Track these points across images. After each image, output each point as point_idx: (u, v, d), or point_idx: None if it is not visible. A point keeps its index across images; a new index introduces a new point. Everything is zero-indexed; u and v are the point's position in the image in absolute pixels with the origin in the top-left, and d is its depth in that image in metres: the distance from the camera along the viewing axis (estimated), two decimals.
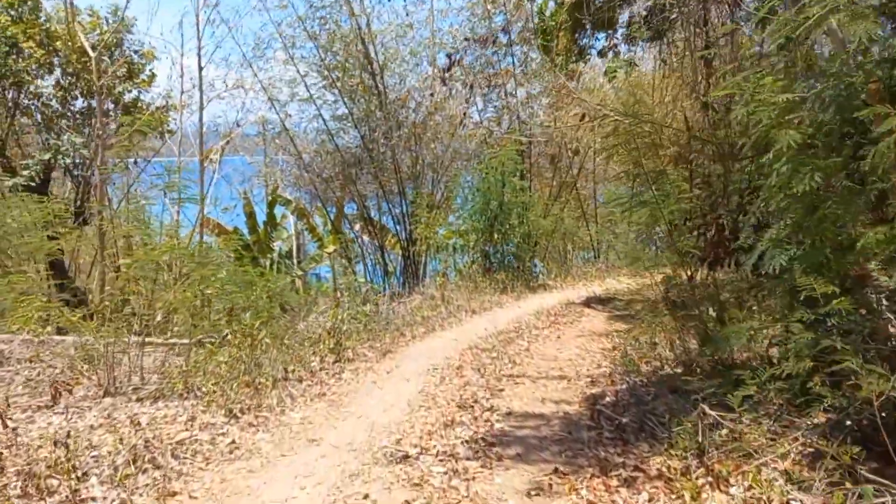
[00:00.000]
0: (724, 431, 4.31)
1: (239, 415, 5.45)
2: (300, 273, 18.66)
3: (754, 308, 5.75)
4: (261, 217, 19.66)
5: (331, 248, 19.04)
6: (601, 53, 12.45)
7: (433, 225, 13.86)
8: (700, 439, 4.19)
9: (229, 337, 7.18)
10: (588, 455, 4.59)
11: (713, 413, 4.44)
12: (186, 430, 5.08)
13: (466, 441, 4.83)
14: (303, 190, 16.68)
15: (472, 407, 5.70)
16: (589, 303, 11.91)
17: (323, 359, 7.60)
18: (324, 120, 15.46)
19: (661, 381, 6.01)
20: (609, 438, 4.89)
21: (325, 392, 6.36)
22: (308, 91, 15.53)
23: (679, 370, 6.35)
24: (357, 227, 18.41)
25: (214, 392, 5.90)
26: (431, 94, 15.84)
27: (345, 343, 8.04)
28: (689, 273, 6.74)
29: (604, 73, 10.99)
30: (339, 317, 8.22)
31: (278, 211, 20.99)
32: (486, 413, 5.51)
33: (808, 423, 4.15)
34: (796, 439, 3.95)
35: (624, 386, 6.20)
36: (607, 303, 12.00)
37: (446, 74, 14.91)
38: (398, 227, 16.22)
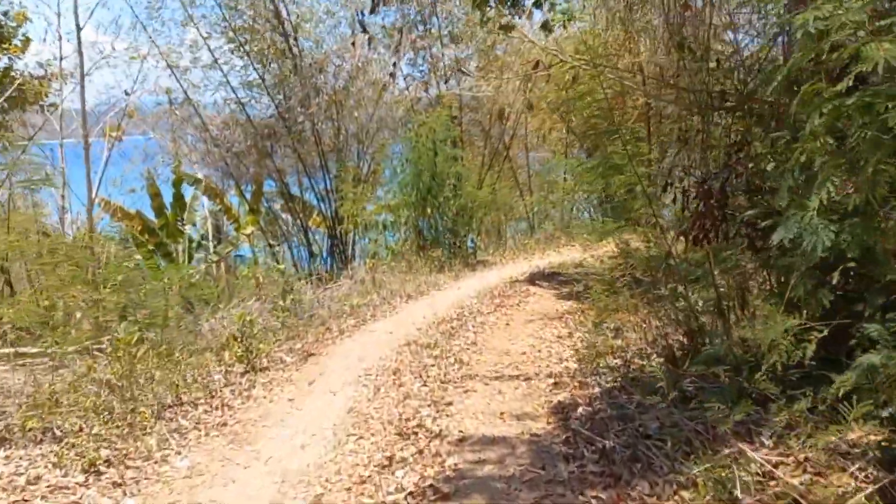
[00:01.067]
0: (754, 467, 3.20)
1: (103, 468, 4.02)
2: (214, 259, 16.91)
3: (755, 295, 4.68)
4: (169, 199, 17.80)
5: (249, 230, 17.35)
6: (537, 3, 11.15)
7: (360, 200, 12.44)
8: (729, 485, 3.06)
9: (106, 350, 5.68)
10: None
11: (744, 447, 3.31)
12: (24, 502, 3.63)
13: (411, 493, 3.56)
14: (212, 167, 14.90)
15: (416, 433, 4.43)
16: (533, 280, 10.80)
17: (228, 371, 6.18)
18: (232, 88, 13.72)
19: (642, 383, 4.88)
20: (595, 473, 3.71)
21: (226, 420, 4.96)
22: (212, 55, 13.74)
23: (658, 365, 5.24)
24: (278, 205, 16.75)
25: (78, 433, 4.44)
26: (352, 57, 14.26)
27: (257, 347, 6.63)
28: (666, 247, 5.62)
29: (541, 26, 9.76)
30: (249, 317, 6.78)
31: (188, 192, 19.10)
32: (433, 442, 4.25)
33: (868, 452, 3.07)
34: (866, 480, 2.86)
35: (596, 389, 5.05)
36: (553, 278, 10.93)
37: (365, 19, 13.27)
38: (322, 205, 14.71)
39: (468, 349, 6.75)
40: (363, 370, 6.21)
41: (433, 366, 6.15)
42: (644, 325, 6.31)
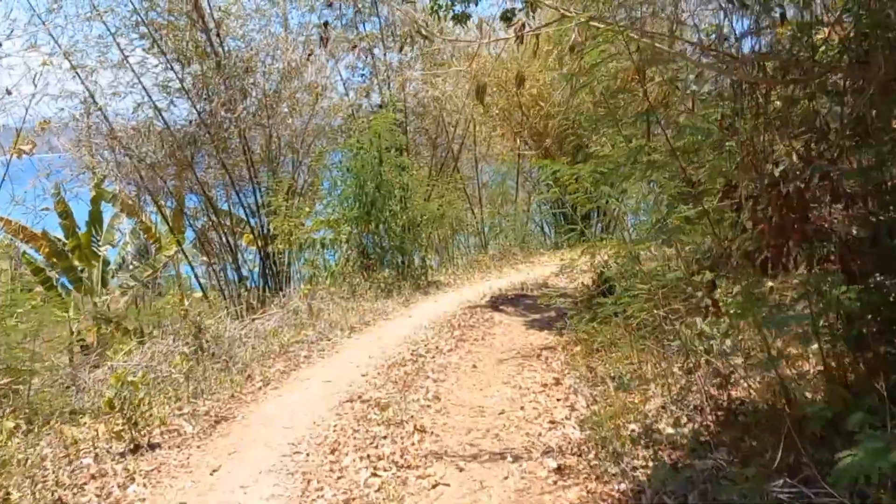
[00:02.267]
0: None
1: None
2: (130, 284, 14.78)
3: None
4: (85, 217, 15.59)
5: (171, 251, 15.27)
6: None
7: (294, 216, 10.66)
8: None
9: None
10: None
11: None
12: None
13: None
14: (125, 181, 12.83)
15: None
16: (496, 304, 9.21)
17: (99, 456, 4.36)
18: (145, 89, 11.75)
19: (692, 477, 3.30)
20: None
21: None
22: (122, 53, 11.75)
23: (705, 441, 3.69)
24: (202, 222, 14.68)
25: None
26: (284, 55, 12.49)
27: (148, 414, 4.83)
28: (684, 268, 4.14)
29: (500, 16, 8.25)
30: (137, 374, 4.97)
31: (109, 210, 16.89)
32: None
33: None
34: None
35: (623, 485, 3.45)
36: (518, 302, 9.37)
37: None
38: (253, 221, 12.84)
39: (429, 406, 5.09)
40: (290, 445, 4.48)
41: (385, 437, 4.47)
42: (659, 370, 4.80)
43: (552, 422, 4.58)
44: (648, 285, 4.89)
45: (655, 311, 5.14)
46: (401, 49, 12.36)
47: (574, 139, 15.69)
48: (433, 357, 6.55)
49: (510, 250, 14.69)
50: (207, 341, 7.20)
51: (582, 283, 10.41)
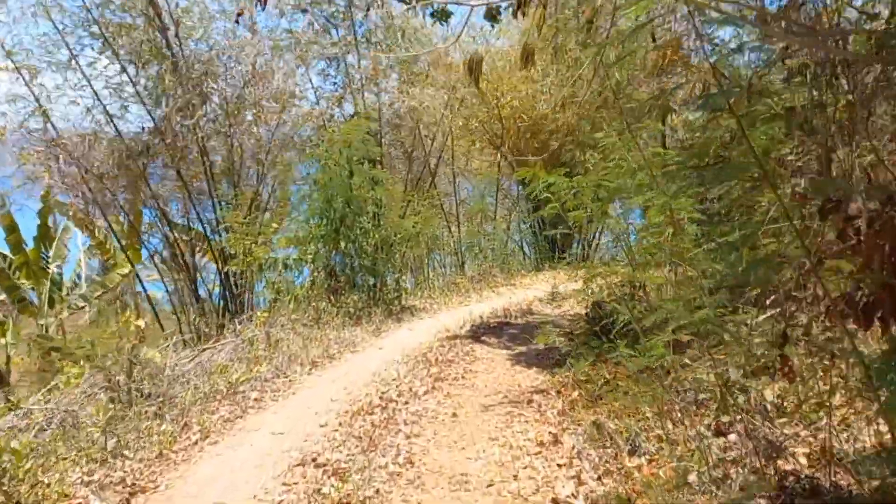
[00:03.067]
0: None
1: None
2: (79, 305, 13.55)
3: None
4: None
5: (125, 270, 14.05)
6: None
7: (255, 233, 9.59)
8: None
9: None
10: None
11: None
12: None
13: None
14: (72, 192, 11.65)
15: None
16: (477, 334, 8.22)
17: None
18: (95, 93, 10.64)
19: None
20: None
21: None
22: (71, 53, 10.66)
23: None
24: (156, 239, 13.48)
25: None
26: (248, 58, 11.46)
27: (37, 490, 3.74)
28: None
29: (485, 14, 7.36)
30: (31, 433, 3.89)
31: (59, 223, 15.63)
32: None
33: None
34: None
35: None
36: (502, 332, 8.40)
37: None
38: (215, 238, 11.74)
39: (400, 475, 4.07)
40: None
41: None
42: (683, 430, 3.87)
43: (555, 501, 3.58)
44: (668, 323, 3.93)
45: (674, 357, 4.23)
46: (367, 11, 11.47)
47: (560, 151, 14.86)
48: (406, 402, 5.52)
49: (489, 271, 13.74)
50: (141, 380, 6.12)
51: (572, 311, 9.51)
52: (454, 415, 5.21)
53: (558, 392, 5.52)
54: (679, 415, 4.12)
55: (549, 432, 4.62)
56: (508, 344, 7.72)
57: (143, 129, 10.91)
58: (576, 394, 5.34)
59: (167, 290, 12.24)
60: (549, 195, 5.38)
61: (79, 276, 16.21)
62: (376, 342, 8.10)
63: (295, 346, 7.54)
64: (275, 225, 12.64)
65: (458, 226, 16.33)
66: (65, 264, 15.40)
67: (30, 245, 14.14)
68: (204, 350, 8.01)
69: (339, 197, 9.29)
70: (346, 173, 9.22)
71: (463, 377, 6.34)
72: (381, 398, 5.68)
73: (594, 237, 17.94)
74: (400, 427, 4.90)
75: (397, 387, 6.01)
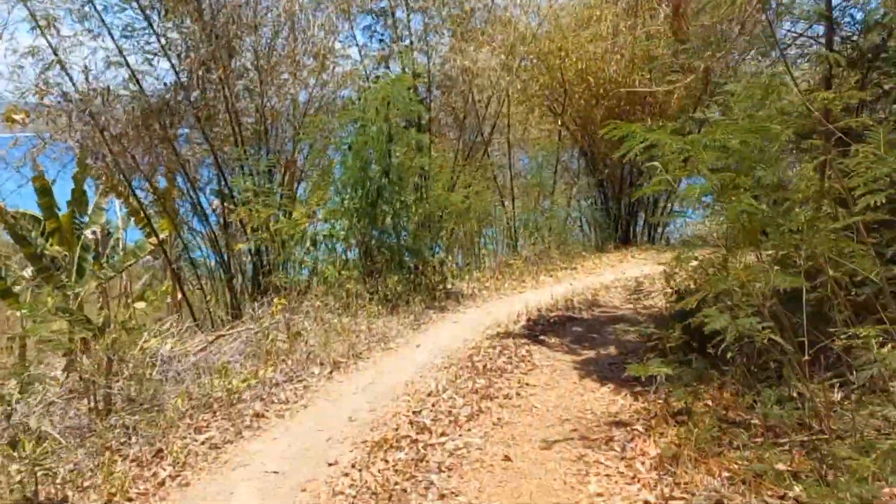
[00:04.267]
0: None
1: None
2: (109, 275, 12.62)
3: None
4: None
5: (163, 235, 13.05)
6: None
7: (270, 207, 8.27)
8: None
9: None
10: None
11: None
12: None
13: None
14: (93, 155, 10.58)
15: None
16: (535, 331, 6.79)
17: None
18: (114, 42, 9.48)
19: None
20: None
21: None
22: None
23: None
24: (215, 203, 12.29)
25: None
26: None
27: None
28: None
29: None
30: None
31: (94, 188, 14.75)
32: None
33: None
34: None
35: None
36: (565, 329, 6.95)
37: None
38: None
39: None
40: None
41: None
42: None
43: None
44: None
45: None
46: None
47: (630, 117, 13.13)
48: (443, 433, 4.16)
49: (547, 252, 12.23)
50: (123, 381, 4.95)
51: (649, 304, 7.98)
52: (506, 458, 3.82)
53: (648, 428, 4.07)
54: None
55: (645, 502, 3.19)
56: (573, 347, 6.27)
57: (165, 84, 9.72)
58: (672, 432, 3.89)
59: (215, 261, 11.01)
60: (647, 159, 3.89)
61: (116, 244, 15.39)
62: (413, 337, 6.76)
63: (318, 340, 6.27)
64: (315, 199, 11.39)
65: (512, 201, 14.79)
66: (102, 230, 14.56)
67: (63, 210, 13.31)
68: (217, 338, 6.85)
69: (375, 165, 7.92)
70: (385, 137, 7.82)
71: (518, 394, 4.94)
72: (411, 423, 4.34)
73: (661, 214, 16.18)
74: (432, 478, 3.54)
75: (433, 406, 4.66)
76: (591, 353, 6.03)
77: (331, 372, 5.63)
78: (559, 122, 14.59)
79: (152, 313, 13.21)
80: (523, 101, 14.53)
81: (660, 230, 16.39)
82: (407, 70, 11.40)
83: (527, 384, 5.17)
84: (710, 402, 4.25)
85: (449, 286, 9.19)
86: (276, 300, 6.84)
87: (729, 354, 4.08)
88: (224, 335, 7.05)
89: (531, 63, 13.80)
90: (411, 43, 12.16)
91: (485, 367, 5.54)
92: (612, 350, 6.11)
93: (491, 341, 6.36)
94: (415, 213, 8.78)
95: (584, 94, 13.88)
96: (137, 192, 11.92)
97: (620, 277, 10.09)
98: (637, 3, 12.74)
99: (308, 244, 8.18)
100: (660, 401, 4.42)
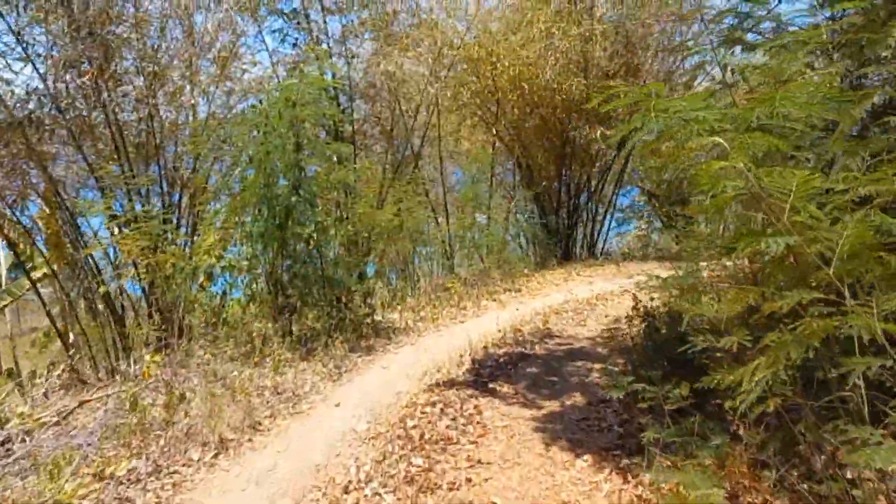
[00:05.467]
0: None
1: None
2: None
3: None
4: None
5: (41, 272, 11.10)
6: None
7: (145, 235, 6.68)
8: None
9: None
10: None
11: None
12: None
13: None
14: None
15: None
16: (482, 376, 5.45)
17: None
18: None
19: None
20: None
21: None
22: None
23: None
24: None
25: None
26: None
27: None
28: None
29: None
30: None
31: None
32: None
33: None
34: None
35: None
36: (519, 371, 5.65)
37: None
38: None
39: None
40: None
41: None
42: None
43: None
44: None
45: None
46: None
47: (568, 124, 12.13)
48: None
49: (487, 272, 10.98)
50: None
51: (610, 328, 6.78)
52: None
53: None
54: None
55: None
56: (531, 397, 4.97)
57: (28, 91, 7.98)
58: None
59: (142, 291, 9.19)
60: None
61: None
62: (333, 392, 5.32)
63: (205, 407, 4.75)
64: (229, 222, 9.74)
65: (446, 217, 13.54)
66: None
67: None
68: (78, 406, 5.24)
69: (282, 177, 6.48)
70: (293, 146, 6.39)
71: (468, 480, 3.59)
72: None
73: (600, 227, 15.25)
74: None
75: (352, 499, 3.26)
76: (553, 405, 4.74)
77: (216, 455, 4.14)
78: (493, 133, 13.46)
79: (42, 357, 11.27)
80: (454, 109, 13.33)
81: (600, 244, 15.47)
82: (325, 76, 10.02)
83: (478, 461, 3.82)
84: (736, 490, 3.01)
85: (378, 319, 7.78)
86: (148, 356, 5.27)
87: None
88: (90, 400, 5.44)
89: (461, 69, 12.62)
90: (329, 47, 10.81)
91: (422, 436, 4.17)
92: (579, 398, 4.85)
93: (429, 394, 5.00)
94: (335, 236, 7.36)
95: (517, 102, 12.79)
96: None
97: (570, 298, 8.93)
98: (571, 4, 11.75)
99: (202, 278, 6.62)
100: (661, 486, 3.15)
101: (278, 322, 6.81)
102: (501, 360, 5.86)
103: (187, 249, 7.15)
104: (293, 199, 6.56)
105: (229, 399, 5.06)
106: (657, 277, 4.19)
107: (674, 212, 18.36)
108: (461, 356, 6.03)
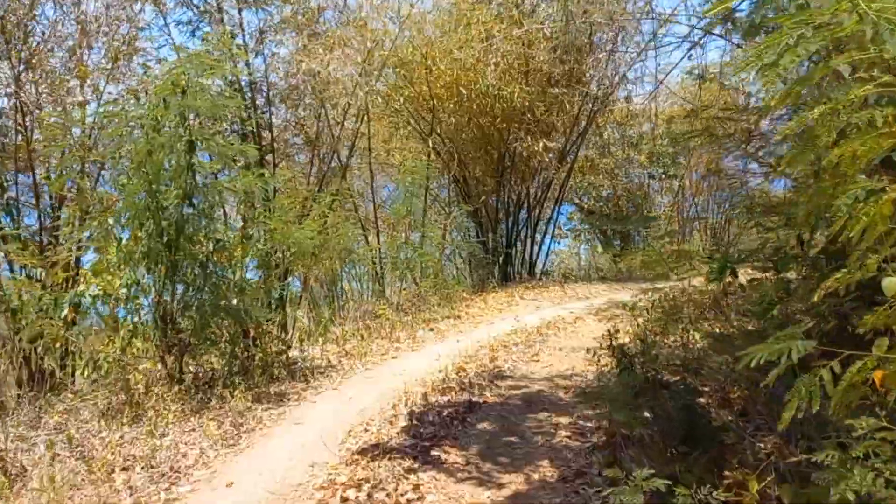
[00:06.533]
0: None
1: None
2: None
3: None
4: None
5: None
6: None
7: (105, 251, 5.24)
8: None
9: None
10: None
11: None
12: None
13: None
14: None
15: None
16: (421, 438, 4.24)
17: None
18: None
19: None
20: None
21: None
22: None
23: None
24: None
25: None
26: None
27: None
28: None
29: None
30: None
31: None
32: None
33: None
34: None
35: None
36: (467, 428, 4.46)
37: None
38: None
39: None
40: None
41: None
42: None
43: None
44: None
45: None
46: None
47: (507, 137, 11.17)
48: None
49: (422, 297, 9.80)
50: None
51: (564, 365, 5.70)
52: None
53: None
54: None
55: None
56: (487, 468, 3.80)
57: None
58: None
59: None
60: None
61: None
62: (224, 466, 3.99)
63: (44, 498, 3.36)
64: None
65: (377, 235, 12.29)
66: None
67: None
68: None
69: (170, 187, 5.13)
70: (184, 144, 5.06)
71: None
72: None
73: (538, 246, 14.34)
74: None
75: None
76: (517, 481, 3.59)
77: None
78: (428, 144, 12.35)
79: None
80: (385, 116, 12.18)
81: (540, 263, 14.56)
82: (242, 75, 8.69)
83: None
84: None
85: (295, 354, 6.47)
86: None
87: None
88: None
89: (394, 72, 11.51)
90: (244, 43, 9.48)
91: None
92: (549, 469, 3.72)
93: (354, 468, 3.75)
94: (242, 256, 6.03)
95: (454, 110, 11.76)
96: None
97: (517, 327, 7.84)
98: (513, 4, 10.83)
99: (65, 312, 5.16)
100: None
101: (167, 365, 5.43)
102: (445, 412, 4.67)
103: (43, 276, 5.65)
104: (185, 211, 5.22)
105: (85, 475, 3.71)
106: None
107: (614, 230, 17.82)
108: (395, 407, 4.81)
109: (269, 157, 9.69)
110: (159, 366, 5.55)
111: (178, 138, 5.04)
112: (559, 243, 17.47)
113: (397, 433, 4.26)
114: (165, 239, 5.27)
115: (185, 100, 4.97)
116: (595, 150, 15.62)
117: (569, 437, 4.08)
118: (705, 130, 5.68)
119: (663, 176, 17.21)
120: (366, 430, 4.37)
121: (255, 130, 9.40)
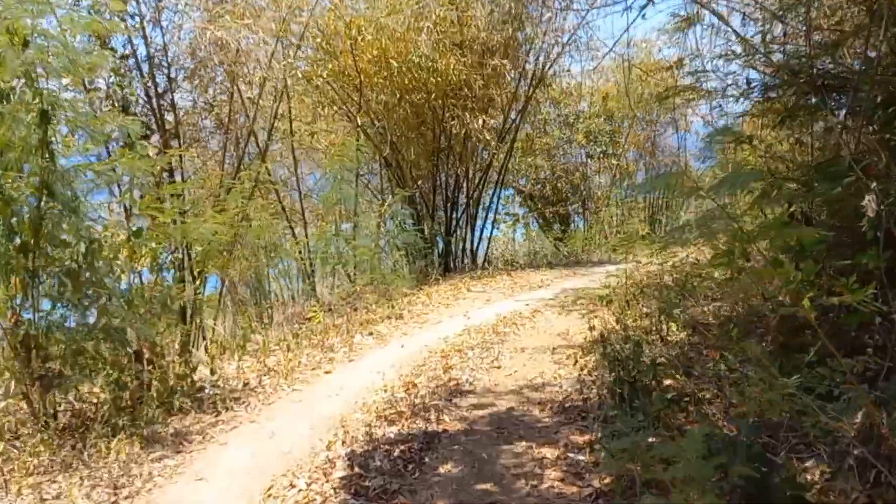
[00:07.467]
0: None
1: None
2: None
3: None
4: None
5: None
6: None
7: None
8: None
9: None
10: None
11: None
12: None
13: None
14: None
15: None
16: (365, 492, 3.19)
17: None
18: None
19: None
20: None
21: None
22: None
23: None
24: None
25: None
26: None
27: None
28: None
29: None
30: None
31: None
32: None
33: None
34: None
35: None
36: (426, 470, 3.42)
37: None
38: None
39: None
40: None
41: None
42: None
43: None
44: None
45: None
46: None
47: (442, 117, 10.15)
48: None
49: (358, 294, 8.68)
50: None
51: (533, 372, 4.73)
52: None
53: None
54: None
55: None
56: None
57: None
58: None
59: None
60: None
61: None
62: None
63: None
64: None
65: (304, 227, 11.03)
66: None
67: None
68: None
69: (27, 173, 3.85)
70: (36, 116, 3.79)
71: None
72: None
73: (480, 233, 13.41)
74: None
75: None
76: None
77: None
78: (356, 125, 11.12)
79: None
80: (308, 94, 10.92)
81: (481, 251, 13.63)
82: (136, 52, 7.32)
83: None
84: None
85: (205, 376, 5.26)
86: None
87: None
88: None
89: (315, 44, 10.25)
90: (139, 11, 8.07)
91: None
92: None
93: None
94: (130, 260, 4.78)
95: (384, 86, 10.60)
96: None
97: (469, 325, 6.86)
98: None
99: None
100: None
101: (31, 403, 4.16)
102: (396, 451, 3.61)
103: None
104: (43, 202, 3.94)
105: None
106: None
107: (554, 213, 17.11)
108: (330, 446, 3.72)
109: (174, 144, 8.36)
110: (23, 404, 4.29)
111: (24, 106, 3.75)
112: (497, 229, 16.62)
113: (334, 490, 3.18)
114: (19, 241, 3.99)
115: (30, 54, 3.69)
116: (533, 127, 14.85)
117: (560, 481, 3.11)
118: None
119: (601, 155, 16.62)
120: (291, 486, 3.27)
121: (156, 112, 8.12)
